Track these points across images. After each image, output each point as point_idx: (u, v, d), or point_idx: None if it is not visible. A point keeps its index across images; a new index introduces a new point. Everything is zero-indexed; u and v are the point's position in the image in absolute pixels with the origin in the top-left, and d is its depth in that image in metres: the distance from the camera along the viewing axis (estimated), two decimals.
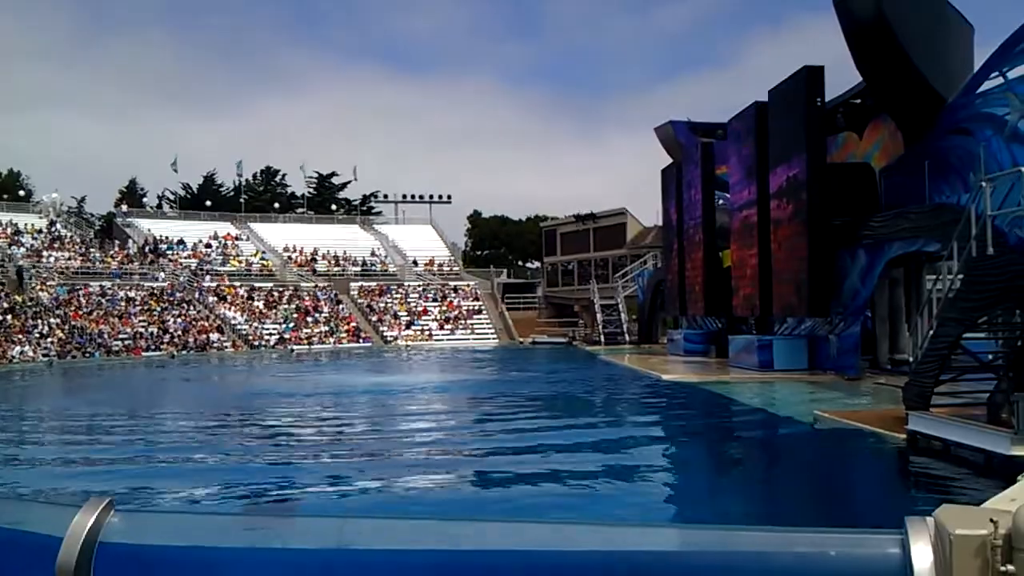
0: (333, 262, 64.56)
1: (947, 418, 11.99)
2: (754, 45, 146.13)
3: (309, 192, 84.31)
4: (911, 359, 17.13)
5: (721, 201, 38.31)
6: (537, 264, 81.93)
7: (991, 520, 1.56)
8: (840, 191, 24.12)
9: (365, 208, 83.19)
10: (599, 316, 50.24)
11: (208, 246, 62.87)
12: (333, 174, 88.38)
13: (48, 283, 50.58)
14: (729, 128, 30.34)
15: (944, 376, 13.31)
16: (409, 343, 54.07)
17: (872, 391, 20.41)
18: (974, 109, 19.85)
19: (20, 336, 44.09)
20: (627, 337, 48.10)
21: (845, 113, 27.40)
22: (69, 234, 59.91)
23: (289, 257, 64.16)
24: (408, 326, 57.19)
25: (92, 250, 57.81)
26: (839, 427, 14.92)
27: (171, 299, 53.40)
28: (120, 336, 47.84)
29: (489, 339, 56.65)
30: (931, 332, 13.70)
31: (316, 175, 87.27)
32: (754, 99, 27.86)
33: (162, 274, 56.50)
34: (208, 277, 58.17)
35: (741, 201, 29.39)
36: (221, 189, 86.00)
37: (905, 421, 12.62)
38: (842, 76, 26.45)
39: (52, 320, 46.86)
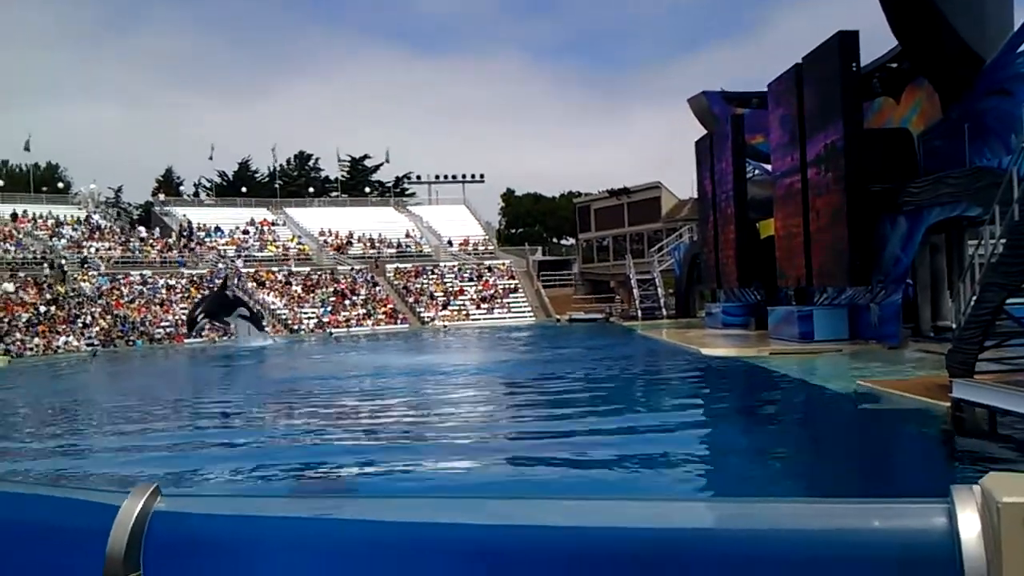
0: (368, 245, 64.86)
1: (992, 384, 11.80)
2: (784, 11, 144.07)
3: (343, 176, 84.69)
4: (954, 326, 16.89)
5: (757, 172, 37.93)
6: (572, 241, 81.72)
7: None
8: (878, 157, 23.75)
9: (399, 190, 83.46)
10: (635, 291, 50.04)
11: (245, 232, 63.44)
12: (366, 157, 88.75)
13: (91, 273, 51.34)
14: (769, 92, 29.63)
15: (988, 342, 13.11)
16: (446, 323, 54.26)
17: (915, 359, 20.17)
18: (1014, 69, 19.46)
19: (64, 327, 44.85)
20: (664, 312, 47.90)
21: (881, 78, 26.96)
22: (108, 224, 60.73)
23: (325, 241, 64.57)
24: (444, 306, 57.39)
25: (132, 240, 58.58)
26: (882, 396, 14.78)
27: (211, 286, 53.99)
28: (162, 324, 48.50)
29: (526, 317, 56.69)
30: (974, 298, 13.48)
31: (349, 158, 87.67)
32: (786, 67, 27.46)
33: (202, 261, 57.18)
34: (246, 263, 58.76)
35: (784, 168, 28.76)
36: (256, 175, 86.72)
37: (949, 389, 12.45)
38: (877, 40, 26.00)
39: (95, 310, 47.60)
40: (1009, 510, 1.53)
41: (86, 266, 52.09)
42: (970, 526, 1.60)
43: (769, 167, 35.91)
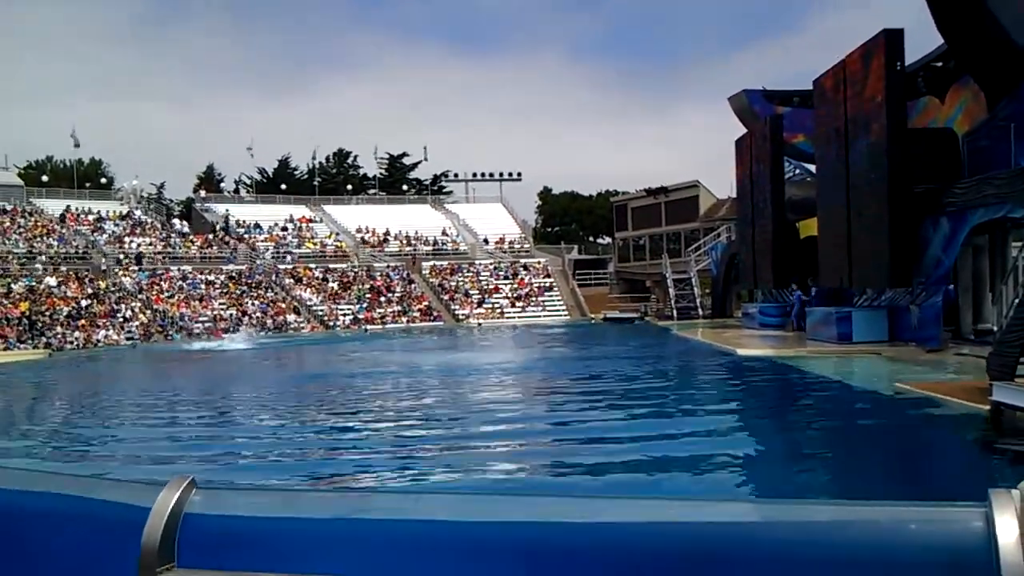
0: (405, 242, 65.17)
1: None
2: (830, 9, 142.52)
3: (381, 173, 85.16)
4: (995, 329, 16.64)
5: (798, 171, 37.59)
6: (608, 240, 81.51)
7: None
8: (922, 157, 23.43)
9: (436, 188, 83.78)
10: (672, 291, 49.80)
11: (284, 229, 64.02)
12: (404, 154, 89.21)
13: (131, 268, 52.12)
14: (814, 88, 29.15)
15: None
16: (481, 321, 54.35)
17: (954, 362, 19.89)
18: None
19: (104, 321, 45.54)
20: (700, 312, 47.64)
21: (926, 77, 26.60)
22: (150, 220, 61.61)
23: (362, 238, 64.96)
24: (479, 304, 57.49)
25: (172, 235, 59.36)
26: (921, 399, 14.59)
27: (249, 282, 54.58)
28: (200, 319, 49.08)
29: (560, 315, 56.64)
30: (1017, 300, 13.27)
31: (387, 156, 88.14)
32: (829, 65, 27.15)
33: (240, 257, 57.83)
34: (285, 259, 59.35)
35: (827, 166, 28.35)
36: (295, 172, 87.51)
37: (989, 392, 12.26)
38: (922, 39, 25.64)
39: (135, 304, 48.28)
40: None
41: (128, 261, 52.88)
42: (1008, 531, 1.57)
43: (809, 166, 35.60)
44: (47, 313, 44.22)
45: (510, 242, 67.50)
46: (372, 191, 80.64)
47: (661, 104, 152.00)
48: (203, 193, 71.19)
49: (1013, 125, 20.91)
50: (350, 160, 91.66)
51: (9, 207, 55.92)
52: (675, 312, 47.92)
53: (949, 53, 24.97)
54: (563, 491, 9.20)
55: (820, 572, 1.70)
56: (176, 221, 64.64)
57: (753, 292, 41.15)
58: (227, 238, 60.50)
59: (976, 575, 1.58)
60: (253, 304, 52.17)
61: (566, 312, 57.47)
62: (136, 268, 52.46)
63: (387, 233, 65.66)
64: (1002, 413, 11.87)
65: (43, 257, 50.38)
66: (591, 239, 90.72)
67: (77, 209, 58.56)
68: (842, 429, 13.78)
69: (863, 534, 1.74)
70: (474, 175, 77.47)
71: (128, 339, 44.23)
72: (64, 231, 54.86)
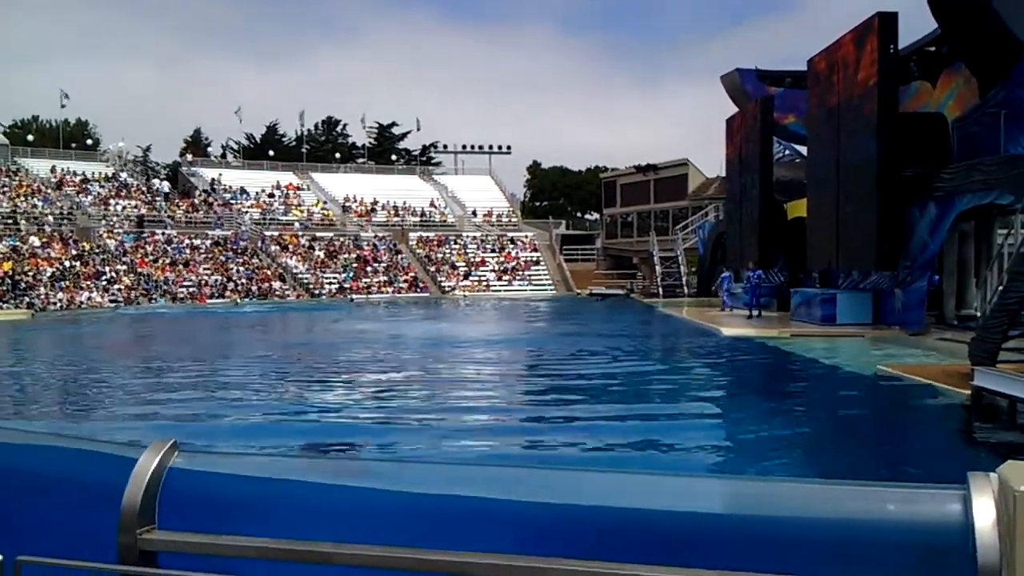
0: (392, 212, 64.93)
1: (1014, 374, 11.70)
2: None
3: (369, 142, 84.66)
4: (978, 315, 16.76)
5: (787, 152, 37.56)
6: (596, 216, 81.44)
7: None
8: (911, 142, 23.42)
9: (425, 158, 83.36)
10: (658, 268, 49.86)
11: (271, 196, 63.65)
12: (393, 124, 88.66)
13: (117, 230, 51.83)
14: (808, 69, 28.97)
15: (1012, 332, 12.99)
16: (466, 293, 54.34)
17: (937, 347, 20.00)
18: None
19: (88, 283, 45.30)
20: (686, 290, 47.72)
21: (918, 61, 26.53)
22: (135, 183, 61.13)
23: (349, 207, 64.68)
24: (466, 276, 57.47)
25: (157, 199, 58.95)
26: (902, 382, 14.69)
27: (235, 248, 54.33)
28: (185, 284, 48.88)
29: (546, 290, 56.69)
30: (1000, 287, 13.35)
31: (376, 125, 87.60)
32: (822, 46, 27.06)
33: (223, 222, 57.54)
34: (271, 226, 59.07)
35: (818, 147, 28.36)
36: (283, 139, 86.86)
37: (970, 377, 12.35)
38: (915, 23, 25.56)
39: (119, 267, 48.02)
40: None
41: (132, 223, 52.58)
42: (985, 513, 1.59)
43: (799, 148, 35.57)
44: (30, 273, 43.93)
45: (498, 215, 67.36)
46: (360, 160, 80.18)
47: (651, 80, 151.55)
48: (190, 157, 70.61)
49: (1004, 112, 20.92)
50: (339, 128, 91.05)
51: None
52: (661, 290, 47.99)
53: (942, 38, 24.91)
54: (543, 464, 9.25)
55: (798, 549, 1.72)
56: (157, 182, 64.13)
57: (739, 272, 41.20)
58: (212, 202, 60.10)
59: (953, 556, 1.59)
60: (238, 270, 51.96)
61: (552, 287, 57.50)
62: (137, 231, 52.48)
63: (375, 203, 65.38)
64: (983, 398, 11.97)
65: (50, 217, 49.96)
66: (579, 215, 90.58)
67: (62, 170, 58.00)
68: (823, 410, 13.87)
69: (842, 513, 1.75)
70: (463, 147, 77.11)
71: (112, 302, 44.04)
72: (50, 192, 54.35)
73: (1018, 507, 1.52)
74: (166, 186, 63.26)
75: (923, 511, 1.71)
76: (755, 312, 30.28)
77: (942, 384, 13.68)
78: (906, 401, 13.66)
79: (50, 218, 50.71)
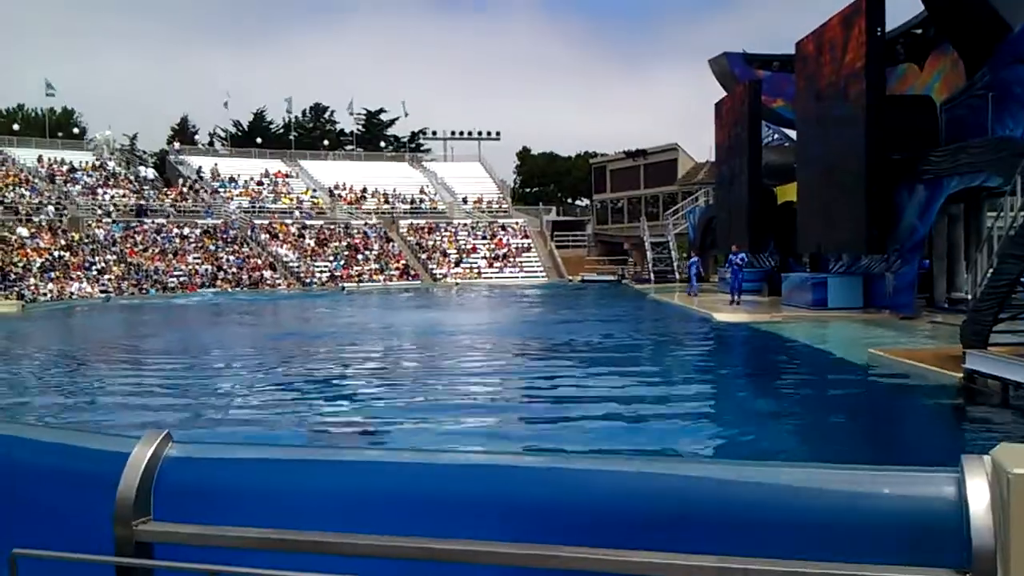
0: (383, 200, 64.77)
1: (1006, 357, 11.76)
2: None
3: (358, 129, 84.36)
4: (969, 297, 16.82)
5: (776, 136, 37.59)
6: (586, 201, 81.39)
7: None
8: (899, 125, 23.45)
9: (414, 145, 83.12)
10: (649, 254, 49.92)
11: (260, 184, 63.42)
12: (381, 111, 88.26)
13: (105, 220, 51.63)
14: (796, 52, 28.94)
15: (1003, 314, 13.04)
16: (458, 280, 54.31)
17: (928, 330, 20.09)
18: None
19: (78, 273, 45.13)
20: (677, 275, 47.75)
21: (905, 44, 26.56)
22: (123, 172, 60.80)
23: (339, 195, 64.49)
24: (457, 264, 57.42)
25: (146, 188, 58.68)
26: (894, 366, 14.75)
27: (225, 237, 54.16)
28: (175, 273, 48.74)
29: (538, 277, 56.68)
30: (990, 269, 13.40)
31: (365, 112, 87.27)
32: (810, 28, 27.05)
33: (213, 211, 57.36)
34: (260, 215, 58.89)
35: (807, 130, 28.43)
36: (271, 126, 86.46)
37: (962, 360, 12.41)
38: (902, 5, 25.58)
39: (109, 257, 47.86)
40: (1019, 481, 1.52)
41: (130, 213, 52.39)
42: (979, 496, 1.59)
43: (788, 131, 35.60)
44: (20, 264, 43.74)
45: (488, 202, 67.27)
46: (349, 147, 79.89)
47: (640, 65, 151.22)
48: (177, 145, 70.25)
49: (991, 94, 20.97)
50: (327, 115, 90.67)
51: None
52: (652, 275, 48.04)
53: (929, 20, 24.95)
54: (534, 450, 9.28)
55: (793, 534, 1.73)
56: (142, 169, 63.77)
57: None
58: (200, 189, 59.86)
59: (948, 538, 1.60)
60: (228, 259, 51.82)
61: (543, 273, 57.50)
62: (139, 221, 52.46)
63: (364, 190, 65.21)
64: (974, 381, 12.03)
65: (51, 208, 49.69)
66: (569, 201, 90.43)
67: (49, 159, 57.66)
68: (815, 394, 13.93)
69: (837, 496, 1.76)
70: (452, 133, 76.86)
71: (102, 291, 43.88)
72: (38, 182, 54.05)
73: (1012, 489, 1.53)
74: (151, 172, 62.96)
75: (917, 494, 1.72)
76: (736, 298, 29.42)
77: (934, 367, 13.74)
78: (898, 385, 13.72)
79: (51, 208, 50.40)
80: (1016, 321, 13.49)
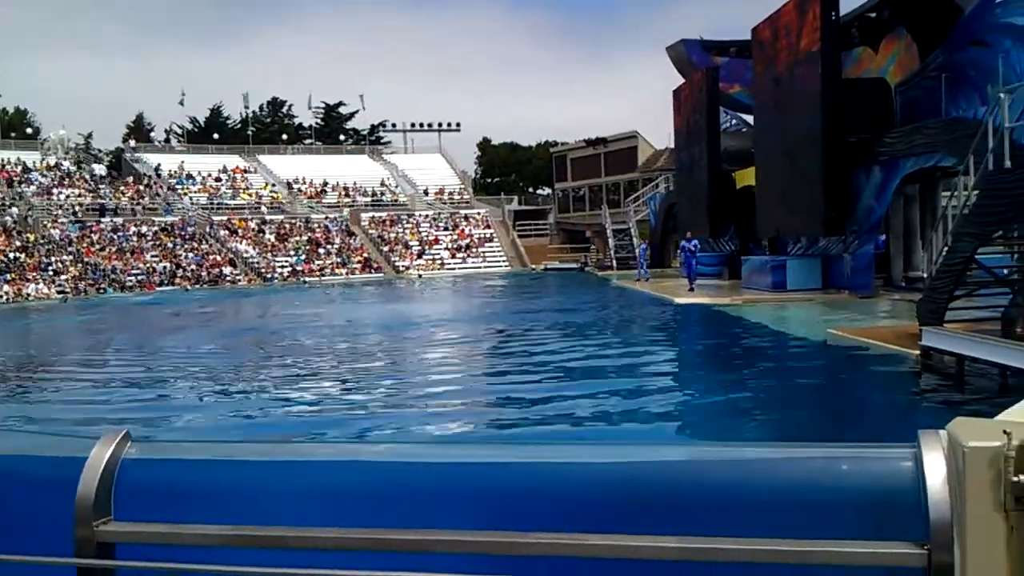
0: (343, 193, 64.37)
1: (961, 333, 11.97)
2: None
3: (316, 123, 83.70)
4: (925, 276, 17.08)
5: (734, 122, 37.85)
6: (548, 191, 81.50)
7: (1004, 432, 1.55)
8: (855, 107, 23.72)
9: (374, 138, 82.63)
10: (611, 241, 50.13)
11: (218, 180, 62.72)
12: (340, 104, 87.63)
13: (59, 220, 50.85)
14: (752, 38, 29.15)
15: (958, 292, 13.27)
16: (421, 272, 54.17)
17: (886, 309, 20.40)
18: (993, 19, 19.44)
19: (34, 274, 44.41)
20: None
21: (860, 27, 26.84)
22: (77, 171, 59.83)
23: (299, 189, 63.98)
24: (419, 256, 57.24)
25: (102, 187, 57.80)
26: (852, 344, 14.95)
27: (183, 234, 53.54)
28: (133, 272, 48.12)
29: (501, 266, 56.70)
30: (946, 248, 13.62)
31: (323, 105, 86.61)
32: (766, 14, 27.26)
33: (172, 208, 56.65)
34: (219, 211, 58.25)
35: (764, 115, 28.66)
36: (228, 122, 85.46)
37: (919, 337, 12.62)
38: None
39: (65, 257, 47.14)
40: (974, 454, 1.54)
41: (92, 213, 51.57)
42: (936, 470, 1.62)
43: (746, 117, 35.86)
44: None
45: (449, 193, 67.10)
46: (308, 141, 79.23)
47: (598, 54, 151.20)
48: (132, 143, 69.26)
49: (944, 76, 21.27)
50: (285, 109, 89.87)
51: None
52: (615, 262, 48.28)
53: (883, 4, 25.23)
54: (503, 437, 9.30)
55: (753, 511, 1.74)
56: (96, 166, 62.78)
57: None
58: (156, 187, 59.07)
59: (905, 513, 1.62)
60: (187, 256, 51.25)
61: (507, 263, 57.53)
62: (105, 220, 51.75)
63: (325, 184, 64.75)
64: (931, 357, 12.23)
65: (14, 211, 48.78)
66: (531, 190, 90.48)
67: (2, 160, 56.58)
68: (775, 375, 14.08)
69: (795, 474, 1.78)
70: (412, 125, 76.49)
71: (59, 292, 43.23)
72: None
73: (967, 463, 1.55)
74: (102, 169, 62.00)
75: (876, 470, 1.74)
76: (692, 284, 29.42)
77: (892, 345, 13.96)
78: (856, 363, 13.92)
79: (15, 210, 49.54)
80: (971, 298, 13.74)
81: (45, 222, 50.07)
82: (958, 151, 17.09)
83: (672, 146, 46.12)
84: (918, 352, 12.57)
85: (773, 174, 27.32)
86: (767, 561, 1.64)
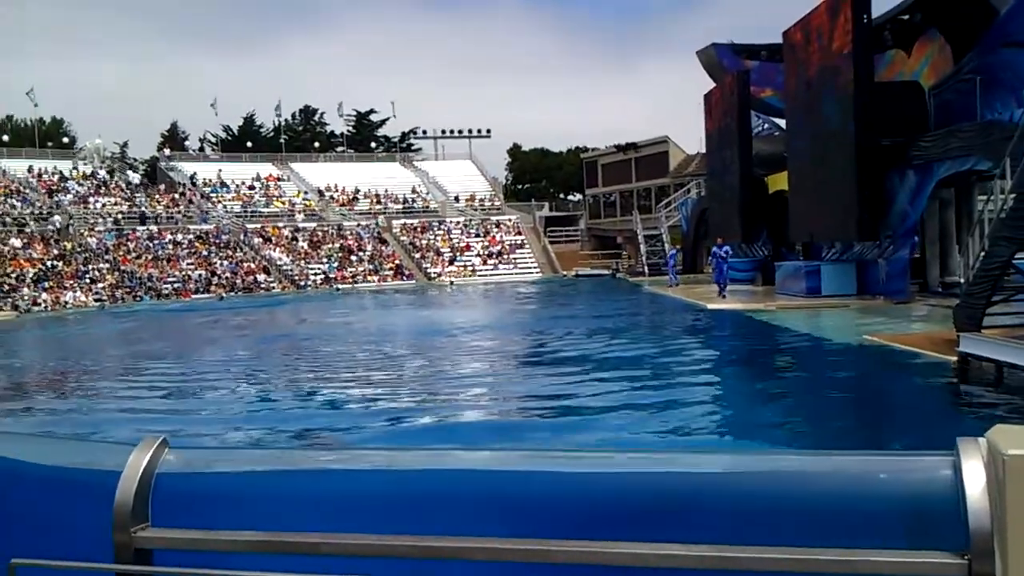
0: (375, 200, 64.69)
1: (999, 339, 11.79)
2: None
3: (348, 130, 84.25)
4: (962, 281, 16.87)
5: (766, 126, 37.59)
6: (579, 196, 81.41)
7: None
8: (888, 111, 23.48)
9: (404, 145, 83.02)
10: (643, 247, 49.94)
11: (251, 188, 63.29)
12: (371, 111, 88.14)
13: (96, 228, 51.53)
14: (784, 41, 28.92)
15: (996, 297, 13.08)
16: (453, 279, 54.28)
17: (922, 314, 20.14)
18: None
19: (72, 282, 45.03)
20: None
21: (892, 30, 26.57)
22: (111, 179, 60.62)
23: (331, 197, 64.39)
24: (451, 262, 57.39)
25: (138, 195, 58.53)
26: (889, 350, 14.78)
27: (217, 242, 54.07)
28: (169, 279, 48.65)
29: (532, 273, 56.69)
30: (983, 253, 13.43)
31: (355, 113, 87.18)
32: (795, 15, 27.07)
33: (209, 217, 57.23)
34: (252, 219, 58.78)
35: (798, 119, 28.39)
36: (261, 130, 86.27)
37: (956, 343, 12.44)
38: None
39: (102, 265, 47.75)
40: (1014, 462, 1.52)
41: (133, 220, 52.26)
42: (975, 478, 1.60)
43: (778, 121, 35.60)
44: (13, 275, 43.63)
45: (480, 200, 67.24)
46: (340, 149, 79.75)
47: (630, 58, 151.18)
48: (167, 151, 70.09)
49: (979, 78, 21.01)
50: (316, 117, 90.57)
51: None
52: (646, 268, 48.09)
53: (916, 6, 24.98)
54: (536, 444, 9.29)
55: (790, 521, 1.73)
56: (130, 173, 63.58)
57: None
58: (191, 195, 59.71)
59: (944, 522, 1.60)
60: (222, 264, 51.75)
61: (538, 269, 57.51)
62: (141, 228, 52.41)
63: (356, 191, 65.13)
64: (969, 364, 12.06)
65: (56, 219, 49.53)
66: (561, 196, 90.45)
67: (39, 169, 57.50)
68: (811, 381, 13.95)
69: (833, 484, 1.76)
70: (443, 132, 76.82)
71: (96, 300, 43.79)
72: (30, 193, 53.90)
73: (1007, 471, 1.53)
74: (136, 177, 62.78)
75: (914, 478, 1.72)
76: (723, 290, 29.05)
77: (928, 351, 13.78)
78: (893, 369, 13.76)
79: (57, 218, 50.23)
80: (1009, 303, 13.53)
81: (82, 230, 50.76)
82: (994, 154, 16.86)
83: (703, 151, 45.93)
84: (956, 359, 12.40)
85: (806, 178, 27.08)
86: (804, 571, 1.62)
